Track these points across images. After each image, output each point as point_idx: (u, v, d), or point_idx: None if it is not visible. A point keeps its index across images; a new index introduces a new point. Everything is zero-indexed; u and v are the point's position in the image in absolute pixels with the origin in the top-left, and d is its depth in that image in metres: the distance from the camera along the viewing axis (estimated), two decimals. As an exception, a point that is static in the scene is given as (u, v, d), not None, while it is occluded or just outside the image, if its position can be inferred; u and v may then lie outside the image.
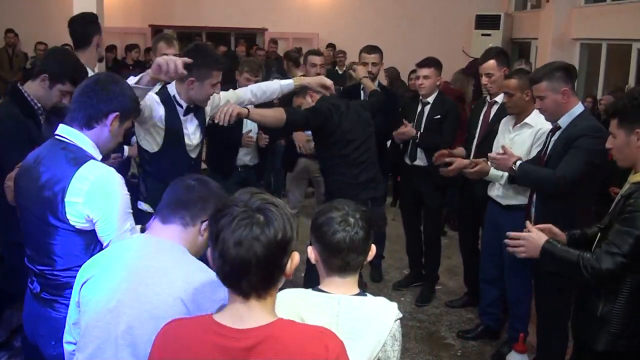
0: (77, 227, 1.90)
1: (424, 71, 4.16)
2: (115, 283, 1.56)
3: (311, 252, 1.70)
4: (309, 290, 1.69)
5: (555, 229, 2.40)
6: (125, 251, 1.65)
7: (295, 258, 1.32)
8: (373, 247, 1.72)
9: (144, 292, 1.53)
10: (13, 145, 2.29)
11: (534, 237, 2.27)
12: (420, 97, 4.25)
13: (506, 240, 2.39)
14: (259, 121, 3.26)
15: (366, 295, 1.70)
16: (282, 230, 1.26)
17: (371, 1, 10.19)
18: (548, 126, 3.30)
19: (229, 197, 1.35)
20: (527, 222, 2.38)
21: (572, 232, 2.41)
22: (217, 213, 1.29)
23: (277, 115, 3.20)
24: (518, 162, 2.94)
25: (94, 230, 1.92)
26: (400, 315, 1.68)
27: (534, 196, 3.07)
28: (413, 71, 7.40)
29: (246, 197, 1.29)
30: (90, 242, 1.93)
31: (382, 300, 1.70)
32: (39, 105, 2.70)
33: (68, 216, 1.87)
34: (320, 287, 1.69)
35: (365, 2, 10.23)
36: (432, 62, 4.21)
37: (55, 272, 1.95)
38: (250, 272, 1.24)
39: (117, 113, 1.97)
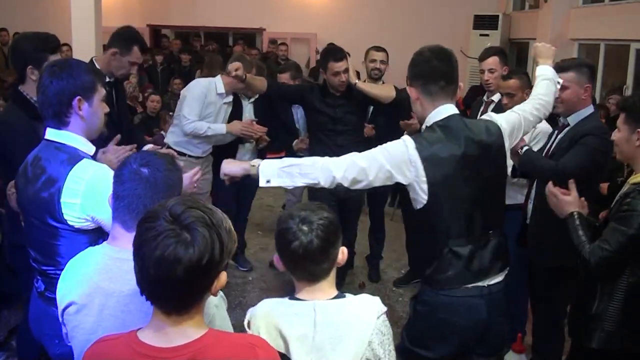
0: (76, 226, 1.88)
1: None
2: (95, 309, 1.49)
3: (277, 261, 1.66)
4: (285, 300, 1.65)
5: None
6: (94, 273, 1.51)
7: (222, 278, 1.25)
8: (344, 250, 1.65)
9: (129, 319, 1.45)
10: (24, 149, 2.27)
11: (569, 200, 2.30)
12: None
13: (548, 187, 2.40)
14: None
15: (345, 296, 1.64)
16: (208, 252, 1.17)
17: (369, 1, 10.19)
18: (545, 126, 3.31)
19: (160, 205, 1.23)
20: (571, 182, 2.38)
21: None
22: (144, 222, 1.21)
23: None
24: (525, 147, 2.95)
25: (96, 228, 1.90)
26: (385, 310, 1.63)
27: (532, 193, 3.08)
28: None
29: (178, 210, 1.19)
30: (95, 240, 1.91)
31: (363, 298, 1.64)
32: None
33: (65, 217, 1.86)
34: (295, 294, 1.65)
35: (363, 2, 10.23)
36: None
37: (58, 272, 1.91)
38: (169, 292, 1.19)
39: (78, 96, 1.91)
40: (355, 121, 3.94)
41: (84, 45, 6.83)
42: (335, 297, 1.62)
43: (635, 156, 2.22)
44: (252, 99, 4.31)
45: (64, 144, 1.93)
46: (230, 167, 2.18)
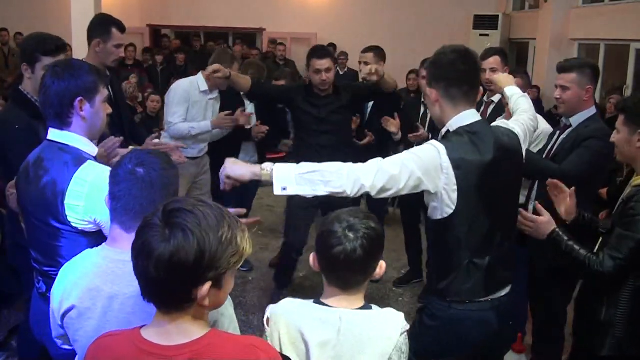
0: (80, 228, 1.88)
1: None
2: (98, 312, 1.48)
3: (313, 260, 1.61)
4: (310, 303, 1.61)
5: (574, 198, 2.38)
6: (95, 276, 1.49)
7: (204, 288, 1.18)
8: (382, 264, 1.61)
9: (135, 320, 1.43)
10: (23, 149, 2.28)
11: (544, 222, 2.25)
12: (423, 99, 4.28)
13: (519, 217, 2.31)
14: None
15: (371, 308, 1.61)
16: (179, 254, 1.13)
17: (369, 1, 10.20)
18: (546, 126, 3.31)
19: (166, 201, 1.24)
20: (537, 203, 2.36)
21: (582, 213, 2.42)
22: (145, 217, 1.23)
23: None
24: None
25: (98, 231, 1.90)
26: (408, 327, 1.60)
27: (533, 193, 3.07)
28: (411, 71, 7.47)
29: (170, 208, 1.19)
30: (96, 242, 1.91)
31: (387, 312, 1.62)
32: None
33: (69, 218, 1.85)
34: (322, 299, 1.62)
35: (363, 2, 10.23)
36: None
37: None
38: (148, 287, 1.19)
39: (79, 97, 1.90)
40: (341, 122, 3.86)
41: (84, 45, 6.79)
42: (361, 308, 1.59)
43: (636, 157, 2.20)
44: None
45: (67, 145, 1.92)
46: (237, 169, 1.96)
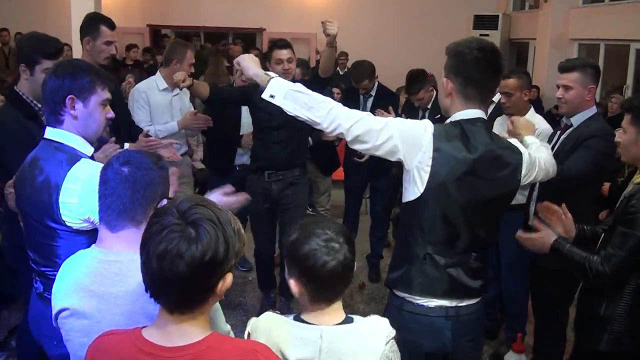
0: (74, 227, 1.88)
1: (419, 95, 4.47)
2: (88, 313, 1.49)
3: (294, 286, 1.52)
4: (290, 320, 1.55)
5: (568, 215, 2.36)
6: (84, 277, 1.50)
7: (228, 279, 1.23)
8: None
9: (123, 320, 1.44)
10: (18, 149, 2.28)
11: (543, 236, 2.25)
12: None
13: (518, 235, 2.33)
14: None
15: (353, 320, 1.56)
16: (212, 250, 1.16)
17: (369, 1, 10.20)
18: (546, 127, 3.31)
19: (169, 202, 1.24)
20: (536, 222, 2.34)
21: (581, 227, 2.40)
22: (153, 217, 1.23)
23: None
24: None
25: (94, 229, 1.90)
26: (394, 334, 1.55)
27: (534, 194, 3.07)
28: (411, 71, 7.48)
29: (185, 206, 1.20)
30: (93, 242, 1.91)
31: (371, 321, 1.56)
32: (40, 106, 2.62)
33: (64, 217, 1.85)
34: (302, 316, 1.55)
35: (363, 3, 10.23)
36: (420, 82, 4.44)
37: (56, 273, 1.92)
38: (171, 289, 1.18)
39: (70, 95, 1.90)
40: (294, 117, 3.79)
41: (84, 45, 6.85)
42: (343, 322, 1.54)
43: None
44: None
45: (62, 143, 1.92)
46: (248, 62, 2.14)
